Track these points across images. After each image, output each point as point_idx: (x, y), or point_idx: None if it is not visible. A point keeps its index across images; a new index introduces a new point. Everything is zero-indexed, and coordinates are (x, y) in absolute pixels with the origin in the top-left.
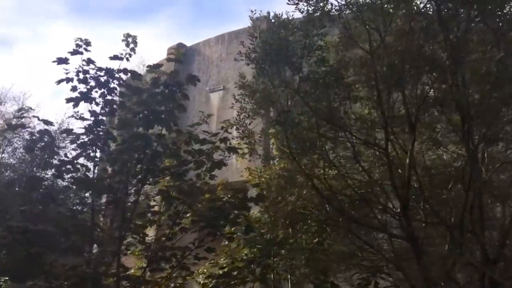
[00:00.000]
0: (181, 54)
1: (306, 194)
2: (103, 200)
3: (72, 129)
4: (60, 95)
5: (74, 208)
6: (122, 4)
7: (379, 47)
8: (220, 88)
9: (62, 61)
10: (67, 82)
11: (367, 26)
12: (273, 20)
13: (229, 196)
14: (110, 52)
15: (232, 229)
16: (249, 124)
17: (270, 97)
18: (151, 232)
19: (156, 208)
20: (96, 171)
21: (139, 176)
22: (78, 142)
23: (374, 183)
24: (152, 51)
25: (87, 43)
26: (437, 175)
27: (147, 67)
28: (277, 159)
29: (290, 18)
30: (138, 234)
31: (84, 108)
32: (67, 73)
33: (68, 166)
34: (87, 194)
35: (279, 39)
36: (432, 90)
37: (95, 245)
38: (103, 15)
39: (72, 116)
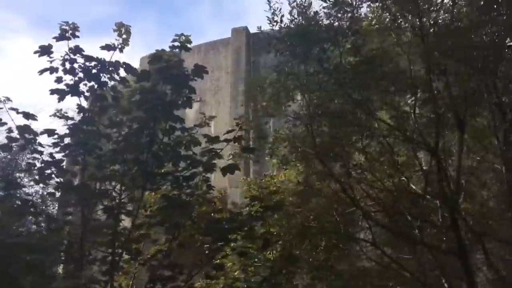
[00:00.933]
0: (187, 41)
1: (325, 203)
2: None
3: (55, 130)
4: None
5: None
6: (86, 19)
7: (434, 26)
8: (196, 99)
9: (45, 50)
10: (51, 73)
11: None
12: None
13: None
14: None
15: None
16: (266, 123)
17: (307, 85)
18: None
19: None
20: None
21: (138, 181)
22: (62, 144)
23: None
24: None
25: (75, 28)
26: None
27: (149, 57)
28: (291, 163)
29: None
30: (129, 250)
31: (64, 106)
32: (51, 61)
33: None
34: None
35: (307, 20)
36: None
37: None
38: None
39: (55, 114)
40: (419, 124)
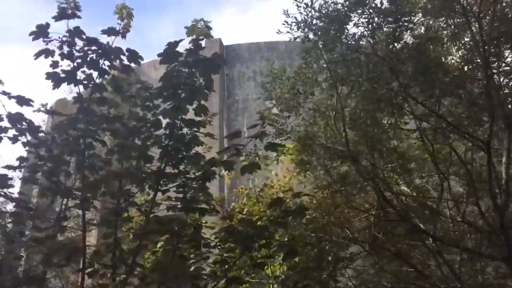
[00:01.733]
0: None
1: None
2: None
3: (40, 127)
4: None
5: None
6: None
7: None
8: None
9: (41, 29)
10: (47, 57)
11: None
12: None
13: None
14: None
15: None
16: (288, 117)
17: (348, 74)
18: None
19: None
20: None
21: (150, 181)
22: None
23: None
24: None
25: (76, 7)
26: None
27: (166, 45)
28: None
29: None
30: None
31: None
32: (47, 43)
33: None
34: None
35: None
36: None
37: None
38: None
39: (38, 110)
40: (470, 119)
